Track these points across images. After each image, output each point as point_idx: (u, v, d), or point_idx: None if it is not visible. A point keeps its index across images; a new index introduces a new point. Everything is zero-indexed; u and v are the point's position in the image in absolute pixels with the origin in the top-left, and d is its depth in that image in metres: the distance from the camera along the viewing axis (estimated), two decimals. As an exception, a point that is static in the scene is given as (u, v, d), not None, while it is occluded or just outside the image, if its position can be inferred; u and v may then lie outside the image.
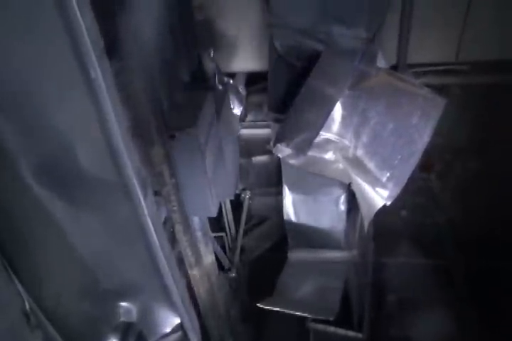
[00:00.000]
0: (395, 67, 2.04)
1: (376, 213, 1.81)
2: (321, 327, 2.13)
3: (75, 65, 0.65)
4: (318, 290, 1.94)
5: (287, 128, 1.80)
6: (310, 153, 1.73)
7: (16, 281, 0.75)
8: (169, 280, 0.93)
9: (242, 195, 2.21)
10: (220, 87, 1.89)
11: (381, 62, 1.90)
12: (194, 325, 1.06)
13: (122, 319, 0.95)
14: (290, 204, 2.00)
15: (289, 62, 1.91)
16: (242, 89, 2.11)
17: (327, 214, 1.97)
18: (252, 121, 2.12)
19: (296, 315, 1.89)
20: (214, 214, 1.79)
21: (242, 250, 2.22)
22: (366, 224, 1.83)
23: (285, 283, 1.99)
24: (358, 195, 1.78)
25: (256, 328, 2.48)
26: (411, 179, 1.77)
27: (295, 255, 2.06)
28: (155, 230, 0.85)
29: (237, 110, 2.10)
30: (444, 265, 2.76)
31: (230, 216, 2.10)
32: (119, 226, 0.85)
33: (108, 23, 1.04)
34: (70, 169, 0.75)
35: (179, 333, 1.04)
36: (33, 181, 0.74)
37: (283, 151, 1.80)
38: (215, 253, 2.01)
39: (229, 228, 2.16)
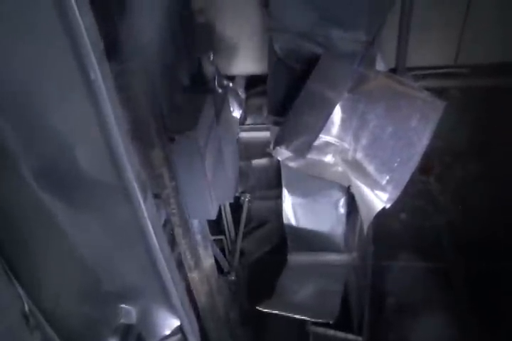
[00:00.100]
0: (394, 70, 2.05)
1: (375, 216, 1.80)
2: (320, 330, 2.12)
3: (74, 66, 0.65)
4: (318, 293, 1.93)
5: (287, 131, 1.80)
6: (309, 156, 1.74)
7: (16, 283, 0.75)
8: (169, 283, 0.93)
9: (242, 198, 2.21)
10: (220, 90, 1.89)
11: (380, 65, 1.91)
12: (193, 328, 1.06)
13: (122, 321, 0.95)
14: (289, 207, 2.00)
15: (288, 66, 1.92)
16: (241, 92, 2.12)
17: (326, 217, 1.97)
18: (252, 124, 2.12)
19: (295, 318, 1.88)
20: (213, 216, 1.79)
21: (242, 253, 2.22)
22: (365, 227, 1.82)
23: (284, 286, 1.99)
24: (357, 198, 1.78)
25: (255, 331, 2.48)
26: (410, 182, 1.77)
27: (294, 258, 2.06)
28: (155, 233, 0.85)
29: (237, 113, 2.10)
30: (444, 268, 2.76)
31: (230, 219, 2.10)
32: (118, 229, 0.85)
33: (108, 26, 1.04)
34: (70, 171, 0.75)
35: (178, 335, 1.04)
36: (33, 183, 0.74)
37: (282, 154, 1.81)
38: (214, 256, 2.01)
39: (228, 231, 2.16)
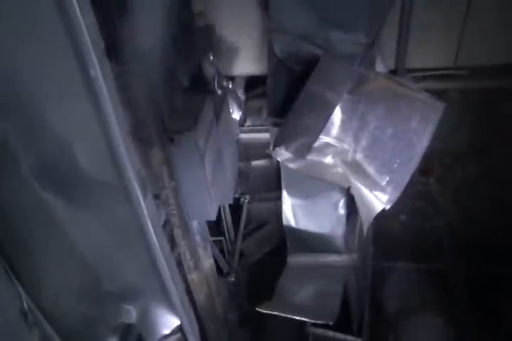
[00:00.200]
0: (393, 72, 2.05)
1: (375, 217, 1.80)
2: (320, 331, 2.12)
3: (75, 65, 0.65)
4: (318, 295, 1.93)
5: (286, 132, 1.80)
6: (309, 157, 1.74)
7: (15, 281, 0.75)
8: (168, 281, 0.93)
9: (241, 199, 2.21)
10: (220, 91, 1.90)
11: (380, 67, 1.91)
12: (193, 327, 1.06)
13: (122, 320, 0.95)
14: (289, 209, 2.00)
15: (288, 67, 1.92)
16: (241, 94, 2.12)
17: (326, 218, 1.97)
18: (251, 126, 2.12)
19: (295, 320, 1.88)
20: (213, 217, 1.79)
21: (241, 254, 2.22)
22: (365, 228, 1.82)
23: (284, 287, 1.99)
24: (357, 199, 1.78)
25: (254, 332, 2.47)
26: (410, 183, 1.77)
27: (294, 259, 2.06)
28: (154, 231, 0.85)
29: (236, 114, 2.11)
30: (444, 269, 2.76)
31: (229, 220, 2.10)
32: (118, 227, 0.85)
33: (109, 27, 1.04)
34: (70, 169, 0.75)
35: (178, 335, 1.04)
36: (33, 182, 0.74)
37: (282, 155, 1.81)
38: (214, 258, 2.00)
39: (228, 232, 2.15)
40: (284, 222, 2.02)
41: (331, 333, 2.12)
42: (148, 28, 1.33)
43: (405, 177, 1.72)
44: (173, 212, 1.60)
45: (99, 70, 0.66)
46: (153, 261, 0.89)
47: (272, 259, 2.26)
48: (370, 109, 1.67)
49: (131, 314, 0.96)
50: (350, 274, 2.03)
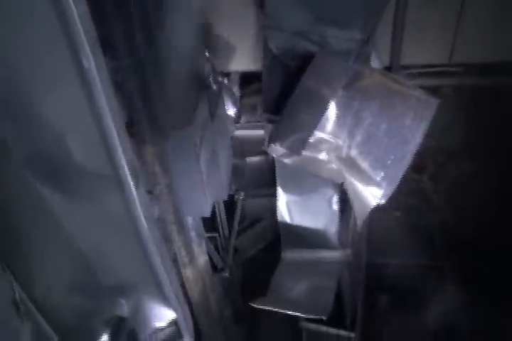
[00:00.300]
0: (388, 69, 2.06)
1: (369, 213, 1.81)
2: (313, 326, 2.14)
3: (68, 54, 0.64)
4: (312, 290, 1.94)
5: (281, 128, 1.80)
6: (304, 153, 1.74)
7: (7, 272, 0.75)
8: (162, 274, 0.93)
9: (236, 196, 2.21)
10: (215, 88, 1.89)
11: (375, 63, 1.92)
12: (187, 321, 1.06)
13: (115, 313, 0.95)
14: (284, 205, 2.00)
15: (283, 64, 1.92)
16: (236, 90, 2.12)
17: (320, 214, 1.98)
18: (247, 122, 2.12)
19: (289, 315, 1.89)
20: (208, 214, 1.79)
21: (236, 250, 2.22)
22: (359, 223, 1.83)
23: (278, 283, 2.00)
24: (351, 195, 1.79)
25: (249, 328, 2.48)
26: (404, 180, 1.78)
27: (288, 255, 2.07)
28: (147, 222, 0.85)
29: (232, 111, 2.10)
30: (436, 265, 2.78)
31: (224, 216, 2.10)
32: (111, 219, 0.85)
33: (103, 23, 1.04)
34: (63, 160, 0.74)
35: (172, 328, 1.04)
36: (26, 173, 0.73)
37: (277, 151, 1.81)
38: (208, 254, 2.01)
39: (222, 228, 2.15)
40: (279, 218, 2.03)
41: (324, 328, 2.13)
42: (143, 23, 1.32)
43: (399, 173, 1.74)
44: (168, 208, 1.60)
45: (92, 59, 0.65)
46: (146, 252, 0.89)
47: (267, 255, 2.27)
48: (364, 106, 1.67)
49: (124, 307, 0.96)
50: (343, 270, 2.04)
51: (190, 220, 1.76)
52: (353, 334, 2.18)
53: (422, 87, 1.84)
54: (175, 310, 0.99)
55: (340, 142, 1.72)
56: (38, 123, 0.73)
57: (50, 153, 0.75)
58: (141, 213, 0.83)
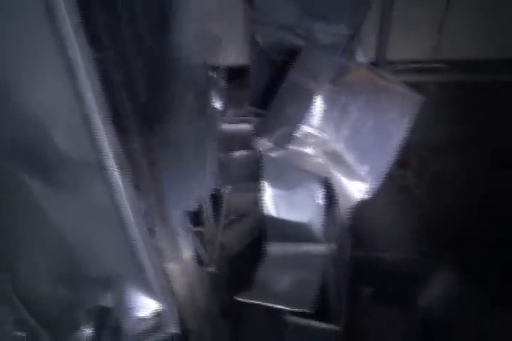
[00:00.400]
0: (374, 64, 2.07)
1: (354, 208, 1.83)
2: (298, 320, 2.15)
3: (51, 42, 0.63)
4: (297, 283, 1.95)
5: (268, 122, 1.81)
6: (290, 147, 1.75)
7: None
8: (147, 263, 0.93)
9: (222, 190, 2.21)
10: (202, 81, 1.88)
11: (361, 59, 1.93)
12: (172, 311, 1.06)
13: (98, 304, 0.94)
14: (270, 199, 2.01)
15: (270, 58, 1.92)
16: (223, 84, 2.10)
17: (306, 208, 1.99)
18: (233, 116, 2.11)
19: (274, 308, 1.90)
20: (194, 208, 1.79)
21: (222, 245, 2.22)
22: (344, 218, 1.85)
23: (263, 277, 2.01)
24: (337, 189, 1.81)
25: (235, 323, 2.49)
26: (388, 175, 1.81)
27: (274, 249, 2.08)
28: (132, 211, 0.84)
29: (218, 104, 2.09)
30: (419, 260, 2.83)
31: (210, 211, 2.09)
32: (96, 209, 0.84)
33: (88, 13, 1.02)
34: (46, 149, 0.73)
35: (156, 318, 1.03)
36: (9, 162, 0.71)
37: (263, 145, 1.81)
38: (194, 248, 2.00)
39: (208, 223, 2.15)
40: (265, 212, 2.04)
41: (308, 321, 2.15)
42: (129, 14, 1.30)
43: (384, 168, 1.76)
44: (153, 202, 1.59)
45: (77, 47, 0.64)
46: (131, 242, 0.88)
47: (253, 250, 2.27)
48: (351, 100, 1.69)
49: (108, 297, 0.95)
50: (328, 263, 2.07)
51: (175, 214, 1.75)
52: (337, 328, 2.20)
53: (406, 83, 1.86)
54: (160, 301, 0.99)
55: (327, 136, 1.73)
56: (21, 112, 0.72)
57: (34, 143, 0.74)
58: (126, 202, 0.83)
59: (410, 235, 2.84)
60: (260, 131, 1.85)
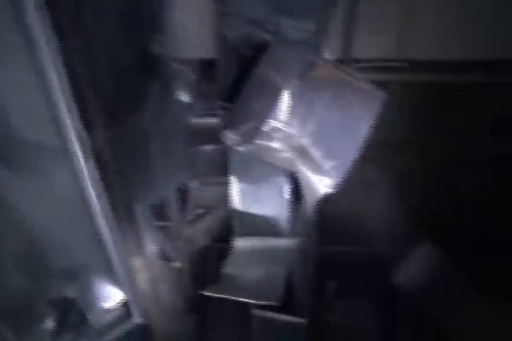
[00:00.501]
0: (339, 62, 2.11)
1: (319, 203, 1.87)
2: (264, 313, 2.17)
3: (14, 25, 0.60)
4: (263, 277, 1.97)
5: (236, 116, 1.81)
6: (258, 141, 1.76)
7: None
8: (113, 252, 0.90)
9: (189, 184, 2.19)
10: (169, 73, 1.85)
11: (327, 56, 1.96)
12: (137, 301, 1.04)
13: (62, 294, 0.91)
14: (236, 193, 2.01)
15: (238, 51, 1.92)
16: (190, 77, 2.08)
17: (272, 202, 2.01)
18: (201, 110, 2.09)
19: (240, 302, 1.91)
20: (159, 202, 1.76)
21: (188, 240, 2.20)
22: (309, 212, 1.88)
23: (230, 271, 2.01)
24: (302, 183, 1.83)
25: (201, 318, 2.47)
26: (352, 171, 1.85)
27: (240, 243, 2.08)
28: (97, 196, 0.82)
29: (186, 98, 2.07)
30: (381, 254, 2.91)
31: (176, 205, 2.07)
32: (59, 194, 0.81)
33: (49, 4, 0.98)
34: (8, 133, 0.70)
35: (121, 308, 1.01)
36: None
37: (231, 139, 1.81)
38: (159, 243, 1.97)
39: (174, 217, 2.12)
40: (231, 206, 2.04)
41: (275, 315, 2.17)
42: (92, 5, 1.27)
43: (348, 163, 1.80)
44: (116, 195, 1.55)
45: (40, 27, 0.61)
46: (96, 229, 0.86)
47: (219, 245, 2.27)
48: (317, 95, 1.71)
49: (72, 288, 0.92)
50: (294, 257, 2.09)
51: (140, 208, 1.72)
52: (303, 320, 2.24)
53: (370, 82, 1.90)
54: (125, 290, 0.97)
55: (293, 131, 1.75)
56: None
57: None
58: (90, 188, 0.81)
59: (374, 229, 2.92)
60: (228, 125, 1.84)
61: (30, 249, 0.82)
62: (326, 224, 2.61)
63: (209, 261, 2.39)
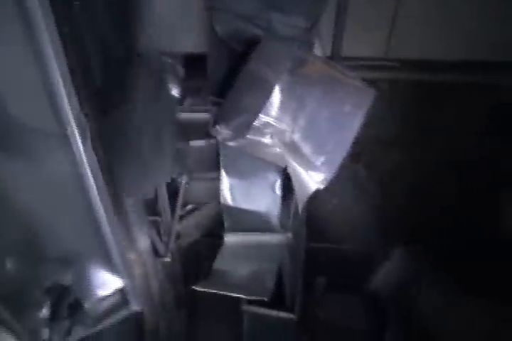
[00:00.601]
0: (330, 59, 2.13)
1: (309, 199, 1.87)
2: (254, 308, 2.18)
3: (13, 9, 0.59)
4: (254, 272, 1.97)
5: (226, 110, 1.81)
6: (249, 136, 1.76)
7: None
8: (111, 239, 0.90)
9: (179, 179, 2.18)
10: (158, 67, 1.84)
11: (317, 53, 1.97)
12: (135, 288, 1.03)
13: (57, 281, 0.89)
14: (227, 188, 2.01)
15: (229, 47, 1.92)
16: (180, 72, 2.07)
17: (263, 198, 2.01)
18: (191, 105, 2.09)
19: (231, 298, 1.91)
20: (150, 195, 1.75)
21: (178, 235, 2.19)
22: (300, 208, 1.89)
23: (221, 267, 2.00)
24: (293, 179, 1.84)
25: (191, 314, 2.47)
26: (342, 168, 1.86)
27: (231, 238, 2.08)
28: (95, 182, 0.81)
29: (176, 92, 2.06)
30: (370, 250, 2.95)
31: (166, 200, 2.06)
32: (57, 180, 0.80)
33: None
34: (5, 118, 0.68)
35: (118, 295, 1.00)
36: None
37: (221, 134, 1.81)
38: (149, 238, 1.96)
39: (164, 212, 2.11)
40: (222, 201, 2.03)
41: (265, 310, 2.18)
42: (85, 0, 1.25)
43: (339, 159, 1.81)
44: (106, 188, 1.54)
45: (39, 10, 0.60)
46: (94, 216, 0.85)
47: (210, 240, 2.27)
48: (308, 91, 1.72)
49: (68, 275, 0.91)
50: (285, 253, 2.10)
51: (130, 202, 1.71)
52: (293, 316, 2.25)
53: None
54: (122, 278, 0.96)
55: (284, 126, 1.76)
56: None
57: None
58: (89, 174, 0.80)
59: (363, 226, 2.95)
60: (218, 120, 1.84)
61: (27, 235, 0.81)
62: (315, 220, 2.63)
63: (199, 256, 2.39)
